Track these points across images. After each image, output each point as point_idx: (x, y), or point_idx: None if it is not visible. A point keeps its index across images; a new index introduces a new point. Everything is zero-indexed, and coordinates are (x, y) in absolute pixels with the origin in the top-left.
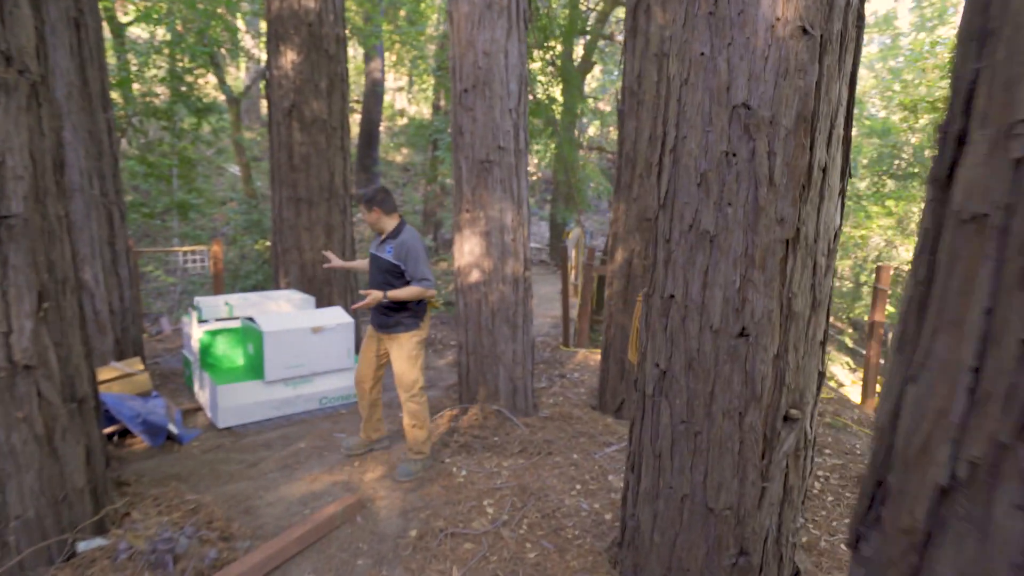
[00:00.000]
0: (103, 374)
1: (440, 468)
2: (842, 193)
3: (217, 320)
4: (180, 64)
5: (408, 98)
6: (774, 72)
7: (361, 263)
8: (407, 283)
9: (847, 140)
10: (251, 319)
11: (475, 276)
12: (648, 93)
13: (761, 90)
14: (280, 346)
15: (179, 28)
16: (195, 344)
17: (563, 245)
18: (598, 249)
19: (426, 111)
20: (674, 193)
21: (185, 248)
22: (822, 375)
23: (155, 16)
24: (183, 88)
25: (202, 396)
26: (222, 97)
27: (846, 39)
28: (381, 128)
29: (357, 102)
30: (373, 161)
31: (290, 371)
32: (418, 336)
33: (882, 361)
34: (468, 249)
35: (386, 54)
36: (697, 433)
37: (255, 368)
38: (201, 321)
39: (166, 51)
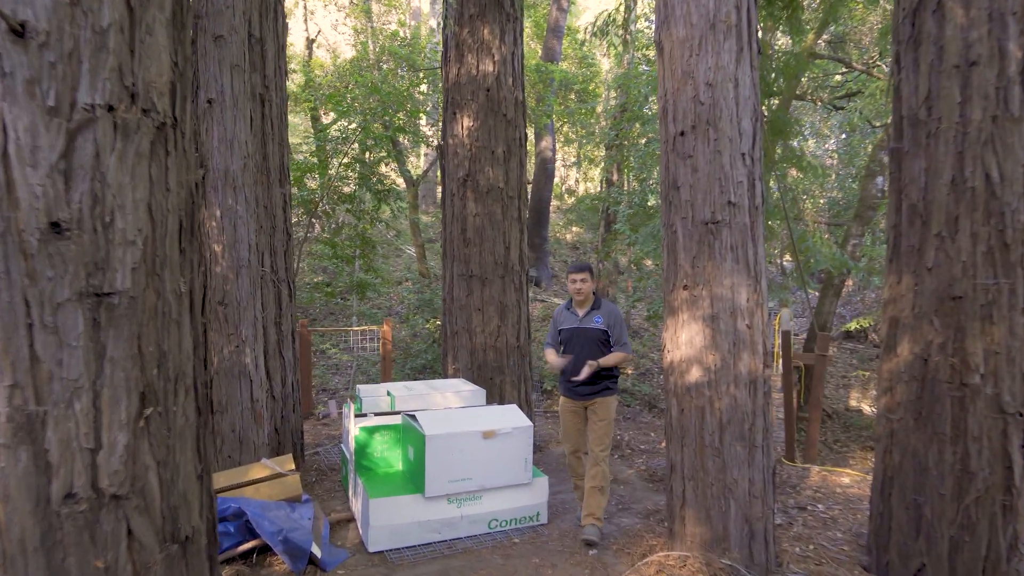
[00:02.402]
0: (252, 472)
1: None
2: None
3: (376, 414)
4: (368, 154)
5: (576, 177)
6: None
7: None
8: (610, 349)
9: None
10: (412, 416)
11: (695, 375)
12: (947, 119)
13: None
14: (444, 453)
15: (372, 123)
16: (351, 441)
17: (783, 329)
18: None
19: (592, 190)
20: None
21: (356, 328)
22: None
23: (347, 110)
24: (368, 173)
25: (355, 504)
26: (402, 183)
27: None
28: (551, 207)
29: (528, 182)
30: (543, 239)
31: (455, 485)
32: (617, 399)
33: None
34: (686, 339)
35: (556, 134)
36: None
37: (415, 478)
38: (359, 415)
39: (355, 142)
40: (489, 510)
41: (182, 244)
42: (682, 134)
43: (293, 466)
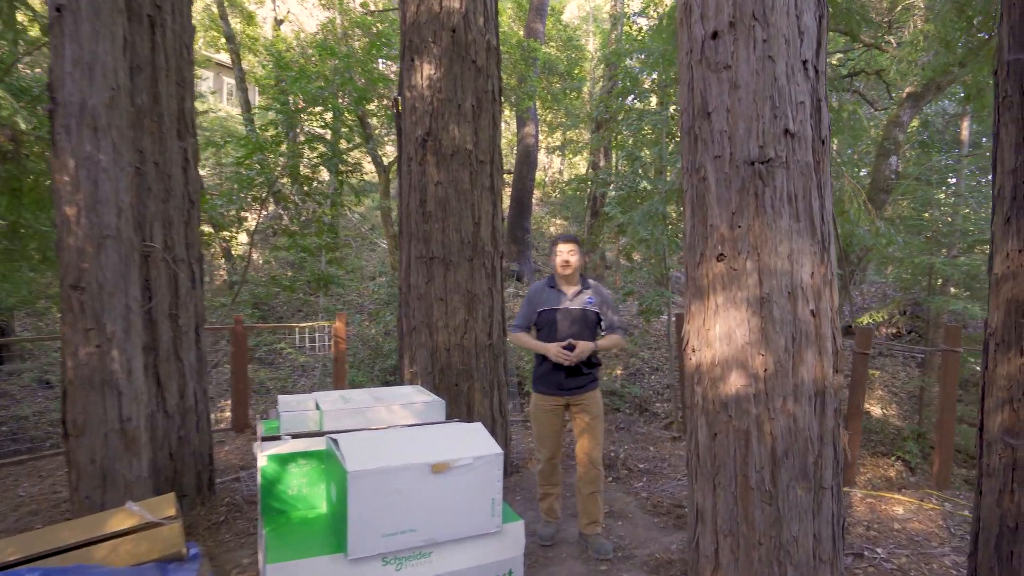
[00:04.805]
0: (112, 522)
1: None
2: None
3: (294, 436)
4: (341, 140)
5: (560, 167)
6: None
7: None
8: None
9: None
10: (336, 441)
11: (736, 384)
12: None
13: None
14: (376, 495)
15: (340, 100)
16: (258, 474)
17: None
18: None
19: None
20: None
21: (304, 324)
22: None
23: (308, 78)
24: (332, 153)
25: (261, 558)
26: (372, 171)
27: None
28: (533, 198)
29: (508, 172)
30: (525, 231)
31: (392, 541)
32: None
33: None
34: (722, 332)
35: (539, 122)
36: None
37: (337, 528)
38: (267, 437)
39: (318, 112)
40: (442, 571)
41: None
42: (715, 36)
43: (173, 511)
